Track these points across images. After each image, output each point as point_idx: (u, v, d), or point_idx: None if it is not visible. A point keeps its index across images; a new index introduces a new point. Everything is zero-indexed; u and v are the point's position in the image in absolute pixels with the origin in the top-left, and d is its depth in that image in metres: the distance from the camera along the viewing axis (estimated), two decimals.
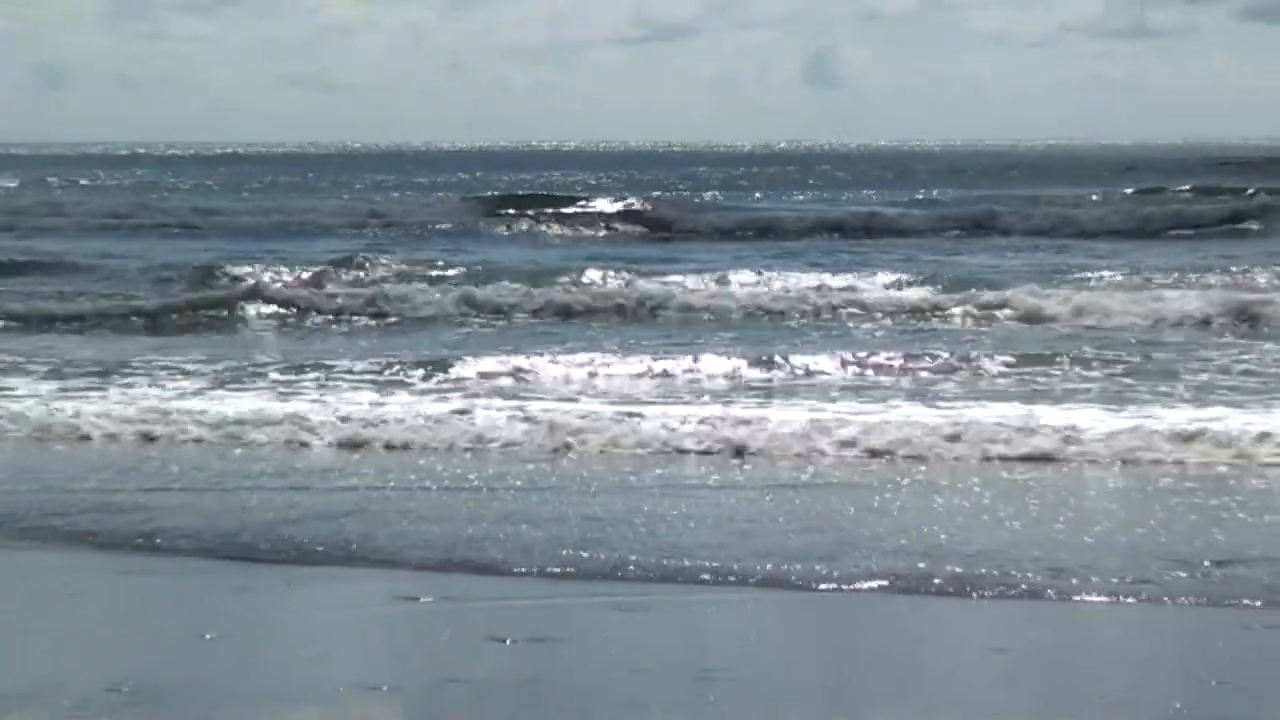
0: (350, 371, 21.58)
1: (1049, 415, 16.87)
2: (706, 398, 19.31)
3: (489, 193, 64.52)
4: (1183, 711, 8.73)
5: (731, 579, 11.36)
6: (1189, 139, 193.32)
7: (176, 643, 10.06)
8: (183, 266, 36.63)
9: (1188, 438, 15.46)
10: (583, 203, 57.12)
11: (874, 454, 15.71)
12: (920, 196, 64.80)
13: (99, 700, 8.89)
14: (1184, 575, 11.20)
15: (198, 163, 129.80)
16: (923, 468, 15.14)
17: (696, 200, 63.87)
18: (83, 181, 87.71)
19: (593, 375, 21.62)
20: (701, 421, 16.94)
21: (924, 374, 21.18)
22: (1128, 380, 20.13)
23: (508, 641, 9.83)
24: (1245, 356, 22.22)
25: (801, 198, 67.53)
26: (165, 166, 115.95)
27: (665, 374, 21.53)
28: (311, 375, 21.21)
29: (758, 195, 70.54)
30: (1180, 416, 16.68)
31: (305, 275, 34.43)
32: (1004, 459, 15.34)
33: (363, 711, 8.79)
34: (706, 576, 11.41)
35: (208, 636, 10.13)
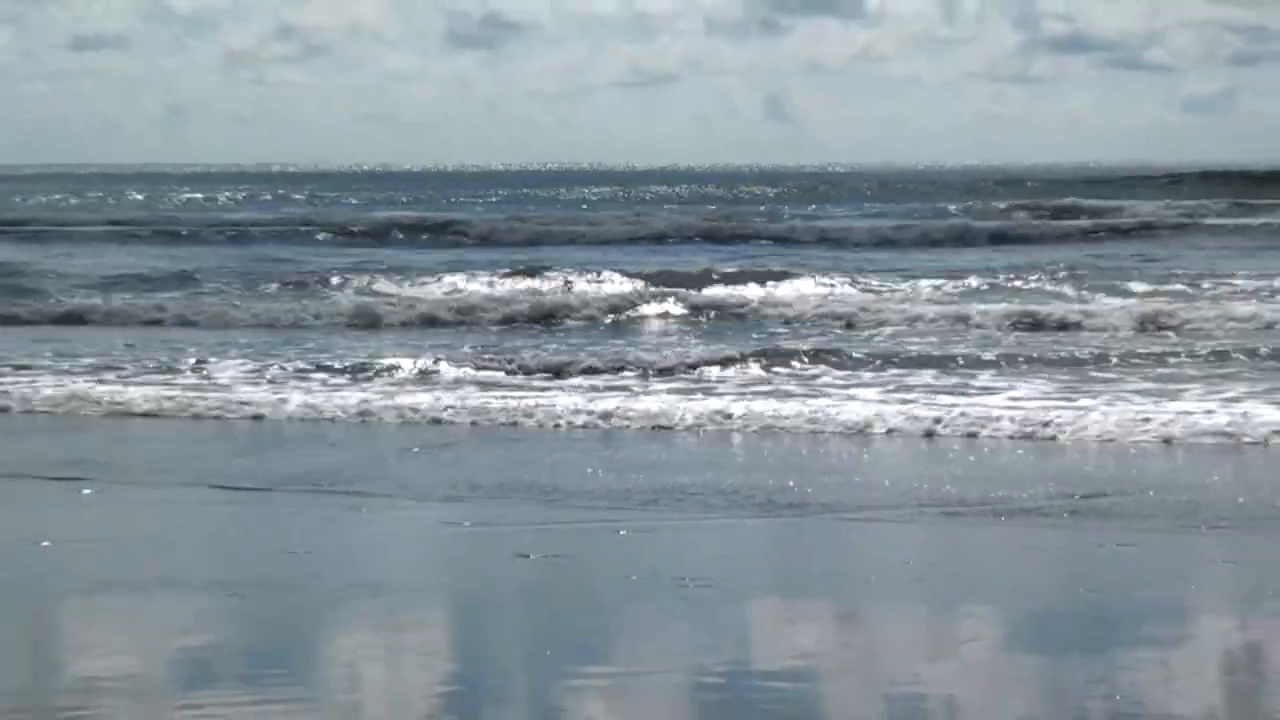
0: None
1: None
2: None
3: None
4: (1056, 610, 8.72)
5: (705, 508, 11.35)
6: (1058, 162, 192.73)
7: (275, 554, 10.06)
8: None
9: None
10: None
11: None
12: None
13: (214, 595, 8.92)
14: (1058, 505, 11.22)
15: (330, 179, 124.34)
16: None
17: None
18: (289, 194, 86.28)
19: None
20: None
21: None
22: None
23: (530, 557, 9.80)
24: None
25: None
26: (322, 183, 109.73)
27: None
28: None
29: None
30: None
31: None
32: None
33: (417, 607, 8.79)
34: (685, 506, 11.40)
35: (299, 551, 10.13)
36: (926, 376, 17.52)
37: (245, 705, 6.97)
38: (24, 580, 9.47)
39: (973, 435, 14.29)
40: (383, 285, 29.44)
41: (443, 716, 6.94)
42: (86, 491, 12.07)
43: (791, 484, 11.96)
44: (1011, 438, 14.20)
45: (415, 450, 14.02)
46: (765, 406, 15.43)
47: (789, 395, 16.16)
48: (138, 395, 16.72)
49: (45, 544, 10.29)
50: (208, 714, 6.85)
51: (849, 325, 23.81)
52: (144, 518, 11.37)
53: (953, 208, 58.01)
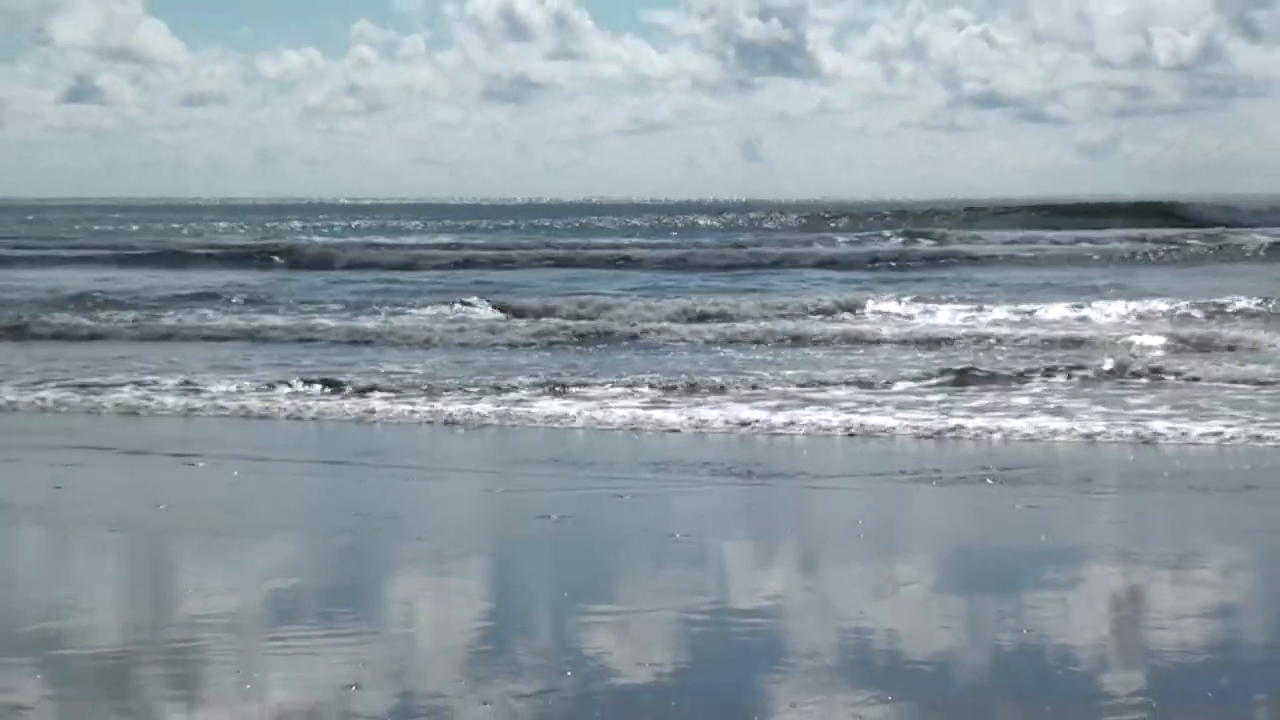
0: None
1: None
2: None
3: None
4: (976, 558, 8.73)
5: (688, 474, 11.34)
6: (976, 195, 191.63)
7: (346, 515, 10.05)
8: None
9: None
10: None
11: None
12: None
13: (295, 547, 8.92)
14: (980, 474, 11.21)
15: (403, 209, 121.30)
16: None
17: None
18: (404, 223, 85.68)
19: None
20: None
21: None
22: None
23: (551, 517, 9.80)
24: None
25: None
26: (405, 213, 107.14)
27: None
28: None
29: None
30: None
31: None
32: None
33: (459, 558, 8.77)
34: (677, 476, 11.39)
35: (364, 513, 10.13)
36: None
37: (320, 638, 6.97)
38: (142, 537, 9.47)
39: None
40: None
41: (480, 645, 6.94)
42: (201, 465, 12.08)
43: (767, 460, 11.97)
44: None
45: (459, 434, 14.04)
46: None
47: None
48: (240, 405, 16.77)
49: (162, 507, 10.30)
50: (289, 645, 6.85)
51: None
52: (242, 486, 11.38)
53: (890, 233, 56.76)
